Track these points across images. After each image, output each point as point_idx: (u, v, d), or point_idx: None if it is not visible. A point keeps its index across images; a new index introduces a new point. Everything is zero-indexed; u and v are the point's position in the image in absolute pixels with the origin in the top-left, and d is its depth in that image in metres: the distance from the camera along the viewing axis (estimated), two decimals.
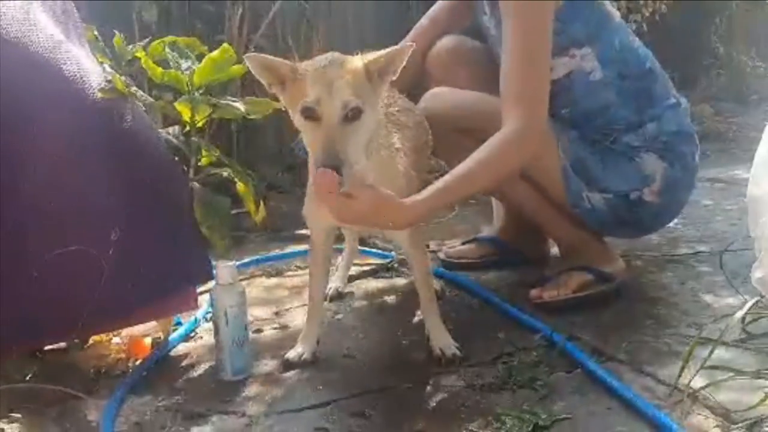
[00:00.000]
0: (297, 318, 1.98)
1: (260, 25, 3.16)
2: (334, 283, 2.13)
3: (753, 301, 1.59)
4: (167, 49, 1.77)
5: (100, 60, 1.75)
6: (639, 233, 2.22)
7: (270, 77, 1.51)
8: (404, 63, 1.53)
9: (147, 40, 1.82)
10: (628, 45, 2.01)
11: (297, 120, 1.49)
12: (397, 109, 1.81)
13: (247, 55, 1.50)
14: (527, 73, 1.80)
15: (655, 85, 2.03)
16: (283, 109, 1.56)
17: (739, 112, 4.40)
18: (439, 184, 1.67)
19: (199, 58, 1.82)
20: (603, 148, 1.99)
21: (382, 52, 1.51)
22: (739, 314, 1.62)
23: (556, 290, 1.96)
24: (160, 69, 1.70)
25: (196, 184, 1.78)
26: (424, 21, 2.23)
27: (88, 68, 1.64)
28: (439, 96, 2.08)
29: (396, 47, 1.53)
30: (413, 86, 2.09)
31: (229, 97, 1.81)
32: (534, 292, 1.99)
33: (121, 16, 2.73)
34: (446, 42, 2.17)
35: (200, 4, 3.06)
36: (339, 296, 2.12)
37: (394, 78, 1.55)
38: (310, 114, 1.45)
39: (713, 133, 4.00)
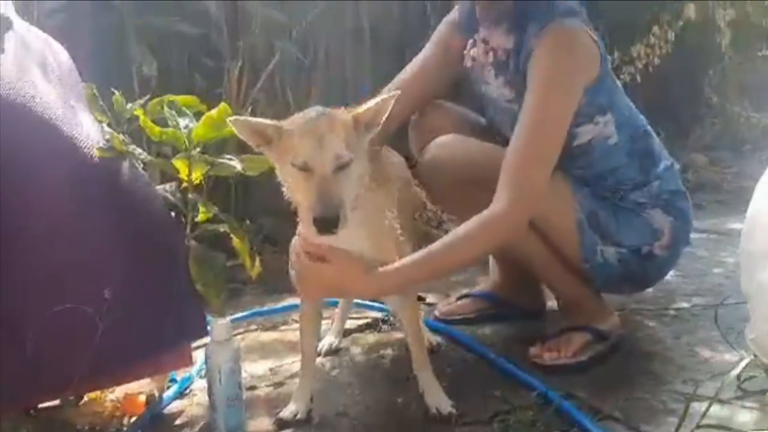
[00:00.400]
0: (292, 374, 1.97)
1: (259, 78, 3.20)
2: (329, 338, 2.13)
3: (747, 360, 1.59)
4: (166, 108, 1.79)
5: (99, 118, 1.78)
6: (640, 289, 2.22)
7: (256, 138, 1.56)
8: (388, 113, 1.58)
9: (146, 98, 1.85)
10: (632, 108, 2.07)
11: (287, 173, 1.54)
12: (381, 163, 1.83)
13: (231, 119, 1.54)
14: (533, 155, 1.81)
15: (654, 145, 2.09)
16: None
17: (733, 162, 4.44)
18: (417, 255, 1.69)
19: (197, 115, 1.84)
20: (613, 204, 2.02)
21: (368, 104, 1.57)
22: (734, 372, 1.61)
23: (556, 352, 1.96)
24: (158, 128, 1.72)
25: (192, 242, 1.78)
26: (404, 75, 2.18)
27: (87, 127, 1.66)
28: (449, 145, 2.05)
29: (380, 98, 1.58)
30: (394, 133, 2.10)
31: (226, 155, 1.82)
32: (534, 351, 1.98)
33: (121, 70, 2.77)
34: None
35: (199, 58, 3.10)
36: (334, 351, 2.12)
37: (378, 128, 1.59)
38: (302, 167, 1.49)
39: (708, 184, 4.03)
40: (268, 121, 1.57)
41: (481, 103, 2.16)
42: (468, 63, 2.10)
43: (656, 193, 2.04)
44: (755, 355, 1.59)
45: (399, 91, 1.62)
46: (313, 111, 1.58)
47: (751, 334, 1.53)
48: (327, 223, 1.47)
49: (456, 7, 2.18)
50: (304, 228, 1.63)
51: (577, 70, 1.87)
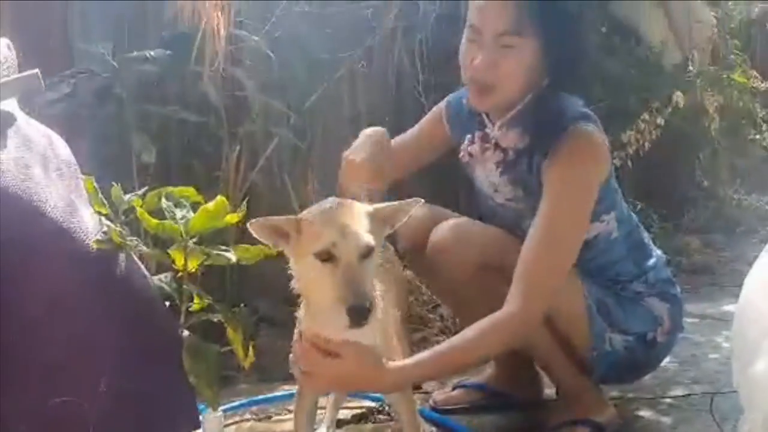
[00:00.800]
0: None
1: (257, 162, 3.25)
2: (321, 430, 2.10)
3: None
4: (163, 200, 1.82)
5: (98, 210, 1.81)
6: (639, 377, 2.23)
7: (274, 237, 1.55)
8: (407, 218, 1.60)
9: (145, 189, 1.88)
10: (624, 202, 2.11)
11: (307, 266, 1.51)
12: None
13: (249, 224, 1.53)
14: (550, 262, 1.82)
15: (645, 237, 2.15)
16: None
17: (726, 244, 4.47)
18: (432, 351, 1.70)
19: (195, 206, 1.87)
20: (615, 293, 2.06)
21: (392, 203, 1.60)
22: None
23: None
24: (154, 221, 1.74)
25: (186, 332, 1.79)
26: (402, 139, 2.21)
27: (86, 220, 1.69)
28: (460, 227, 2.04)
29: (404, 202, 1.60)
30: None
31: (221, 245, 1.84)
32: None
33: (122, 158, 2.81)
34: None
35: (198, 144, 3.15)
36: None
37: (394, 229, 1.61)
38: (326, 256, 1.47)
39: (702, 267, 4.05)
40: (284, 217, 1.56)
41: (476, 198, 2.19)
42: (465, 158, 2.12)
43: (652, 282, 2.08)
44: None
45: (422, 200, 1.63)
46: (331, 201, 1.58)
47: (744, 426, 1.52)
48: (361, 313, 1.44)
49: (447, 98, 2.22)
50: (315, 323, 1.60)
51: (594, 175, 1.90)
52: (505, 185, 2.04)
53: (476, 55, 1.88)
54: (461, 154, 2.12)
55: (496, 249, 1.98)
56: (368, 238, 1.49)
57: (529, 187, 1.97)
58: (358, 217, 1.52)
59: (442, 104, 2.23)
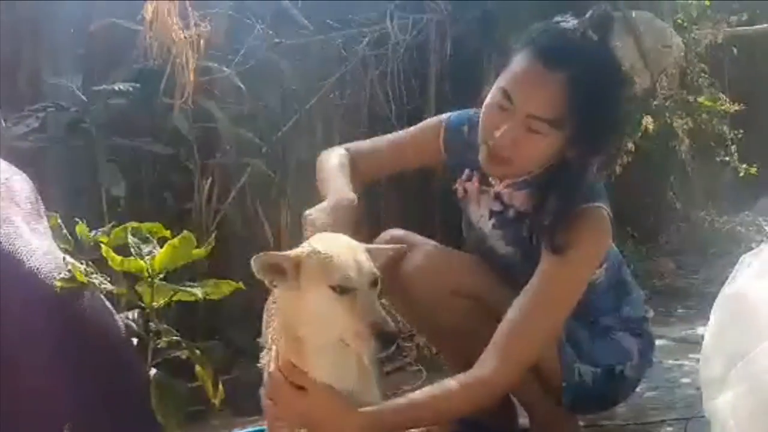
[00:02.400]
0: None
1: (229, 193, 3.23)
2: None
3: None
4: (129, 236, 1.81)
5: (62, 247, 1.79)
6: (605, 409, 2.22)
7: (271, 274, 1.52)
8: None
9: (110, 225, 1.87)
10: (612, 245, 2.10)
11: (318, 299, 1.49)
12: None
13: (253, 259, 1.50)
14: (533, 332, 1.80)
15: (627, 274, 2.15)
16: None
17: (700, 266, 4.50)
18: (402, 399, 1.69)
19: (162, 241, 1.86)
20: (585, 325, 2.05)
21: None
22: None
23: None
24: (119, 258, 1.73)
25: (153, 369, 1.77)
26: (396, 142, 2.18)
27: (49, 258, 1.67)
28: (433, 255, 2.03)
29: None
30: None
31: (189, 282, 1.83)
32: None
33: (91, 192, 2.79)
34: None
35: (168, 176, 3.14)
36: None
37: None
38: (343, 289, 1.47)
39: (676, 289, 4.08)
40: (283, 254, 1.56)
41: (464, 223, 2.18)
42: (459, 193, 2.10)
43: (625, 318, 2.09)
44: None
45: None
46: (327, 236, 1.61)
47: None
48: (392, 336, 1.45)
49: (448, 119, 2.14)
50: (301, 359, 1.58)
51: (597, 258, 1.90)
52: (498, 239, 2.03)
53: (501, 124, 1.79)
54: (456, 185, 2.10)
55: (468, 276, 1.99)
56: (374, 266, 1.52)
57: (523, 249, 1.95)
58: (361, 249, 1.54)
59: (442, 122, 2.13)
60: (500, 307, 1.84)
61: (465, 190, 2.08)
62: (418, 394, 1.74)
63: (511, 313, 1.79)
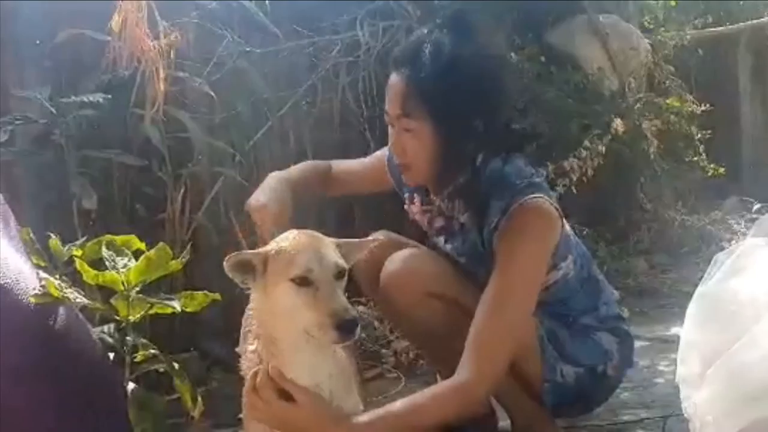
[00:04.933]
0: None
1: (202, 202, 3.21)
2: None
3: None
4: (104, 249, 1.79)
5: (35, 262, 1.76)
6: (587, 411, 2.24)
7: (243, 271, 1.55)
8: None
9: (83, 239, 1.84)
10: (576, 238, 2.16)
11: (281, 294, 1.52)
12: None
13: (225, 260, 1.53)
14: (499, 334, 1.83)
15: (597, 272, 2.19)
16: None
17: (672, 266, 4.55)
18: (385, 410, 1.70)
19: (137, 254, 1.84)
20: (566, 325, 2.08)
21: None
22: None
23: None
24: (93, 272, 1.71)
25: (131, 384, 1.75)
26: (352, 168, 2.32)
27: (23, 274, 1.65)
28: (411, 258, 2.05)
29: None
30: None
31: (165, 294, 1.81)
32: None
33: (62, 205, 2.75)
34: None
35: (140, 187, 3.11)
36: None
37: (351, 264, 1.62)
38: (304, 281, 1.50)
39: (649, 290, 4.11)
40: (252, 251, 1.59)
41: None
42: (411, 214, 2.17)
43: (603, 317, 2.12)
44: None
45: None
46: (294, 232, 1.61)
47: None
48: (351, 325, 1.47)
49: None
50: (279, 361, 1.59)
51: (542, 248, 1.92)
52: (452, 251, 2.09)
53: (391, 136, 1.96)
54: (405, 206, 2.19)
55: (443, 278, 2.01)
56: (340, 259, 1.54)
57: (477, 257, 1.99)
58: (326, 243, 1.57)
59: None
60: (476, 308, 1.86)
61: (414, 213, 2.17)
62: (399, 406, 1.75)
63: (476, 319, 1.83)
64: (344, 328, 1.47)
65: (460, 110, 1.88)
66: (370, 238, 1.67)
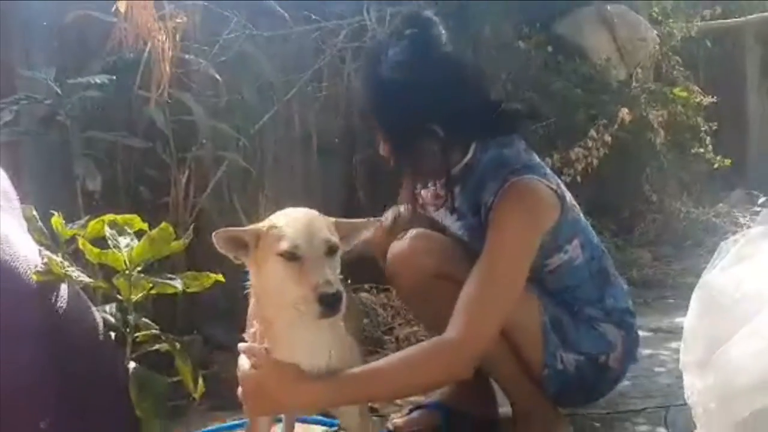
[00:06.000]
0: None
1: (206, 186, 3.20)
2: None
3: None
4: (106, 228, 1.78)
5: (38, 239, 1.76)
6: (588, 401, 2.24)
7: (233, 247, 1.58)
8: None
9: (86, 218, 1.84)
10: (590, 228, 2.14)
11: (271, 269, 1.54)
12: None
13: (214, 234, 1.57)
14: (490, 294, 1.83)
15: (609, 264, 2.18)
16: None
17: (676, 257, 4.55)
18: (352, 372, 1.67)
19: (139, 234, 1.83)
20: (570, 313, 2.08)
21: (350, 220, 1.66)
22: None
23: None
24: (96, 250, 1.71)
25: (132, 363, 1.74)
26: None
27: (24, 250, 1.64)
28: (424, 237, 2.06)
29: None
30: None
31: (167, 274, 1.81)
32: None
33: (66, 186, 2.74)
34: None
35: (144, 169, 3.10)
36: None
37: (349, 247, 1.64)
38: (291, 255, 1.51)
39: (653, 280, 4.11)
40: (243, 228, 1.61)
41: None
42: (418, 200, 2.16)
43: (609, 309, 2.11)
44: None
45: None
46: (289, 209, 1.62)
47: None
48: (333, 299, 1.48)
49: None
50: (270, 339, 1.61)
51: (534, 224, 1.93)
52: (460, 234, 2.09)
53: None
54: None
55: (451, 260, 2.00)
56: (330, 235, 1.55)
57: (480, 239, 1.96)
58: (318, 219, 1.58)
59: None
60: None
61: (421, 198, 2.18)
62: (381, 362, 1.75)
63: (465, 286, 1.83)
64: (326, 302, 1.47)
65: (404, 118, 1.92)
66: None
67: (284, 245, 1.51)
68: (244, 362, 1.68)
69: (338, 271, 1.56)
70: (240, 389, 1.70)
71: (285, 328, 1.59)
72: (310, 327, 1.56)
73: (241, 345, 1.70)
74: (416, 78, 1.90)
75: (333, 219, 1.62)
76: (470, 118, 1.96)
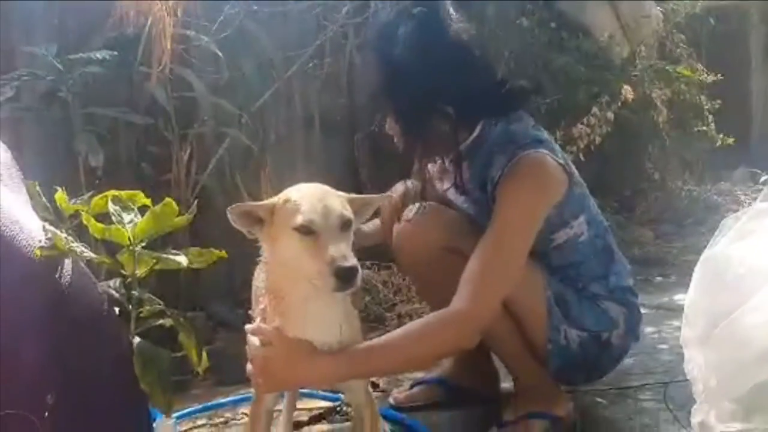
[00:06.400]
0: None
1: (208, 163, 3.20)
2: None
3: None
4: (110, 204, 1.78)
5: (42, 215, 1.75)
6: (590, 379, 2.25)
7: (248, 221, 1.59)
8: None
9: (90, 193, 1.83)
10: (595, 206, 2.15)
11: (285, 244, 1.55)
12: None
13: (229, 209, 1.58)
14: (497, 266, 1.85)
15: (612, 242, 2.18)
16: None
17: (677, 236, 4.55)
18: (362, 346, 1.69)
19: (143, 209, 1.83)
20: (575, 289, 2.09)
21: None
22: None
23: None
24: (100, 225, 1.70)
25: (137, 338, 1.75)
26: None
27: (29, 226, 1.64)
28: (425, 213, 2.08)
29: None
30: None
31: (171, 249, 1.80)
32: None
33: (68, 162, 2.75)
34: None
35: (146, 146, 3.10)
36: None
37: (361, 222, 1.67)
38: (307, 229, 1.51)
39: (654, 258, 4.12)
40: (258, 203, 1.62)
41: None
42: (426, 175, 2.17)
43: (612, 287, 2.12)
44: None
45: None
46: (302, 185, 1.63)
47: (696, 417, 1.55)
48: (349, 273, 1.47)
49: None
50: (282, 317, 1.62)
51: (541, 197, 1.94)
52: (467, 208, 2.10)
53: None
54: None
55: (459, 233, 2.02)
56: (345, 210, 1.55)
57: (487, 214, 1.97)
58: (333, 194, 1.59)
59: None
60: None
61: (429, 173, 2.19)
62: (389, 336, 1.76)
63: (472, 258, 1.84)
64: (343, 275, 1.47)
65: (417, 99, 1.93)
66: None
67: (300, 219, 1.52)
68: (253, 339, 1.68)
69: (350, 245, 1.56)
70: (249, 365, 1.71)
71: (298, 302, 1.60)
72: (324, 301, 1.57)
73: (248, 326, 1.71)
74: (429, 59, 1.91)
75: (347, 195, 1.63)
76: (480, 97, 1.98)
